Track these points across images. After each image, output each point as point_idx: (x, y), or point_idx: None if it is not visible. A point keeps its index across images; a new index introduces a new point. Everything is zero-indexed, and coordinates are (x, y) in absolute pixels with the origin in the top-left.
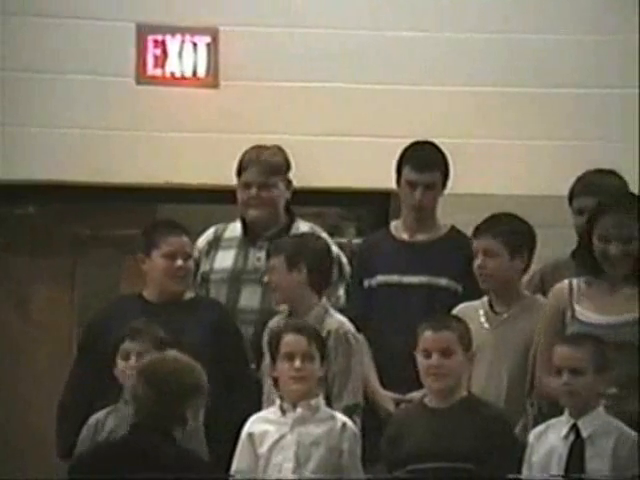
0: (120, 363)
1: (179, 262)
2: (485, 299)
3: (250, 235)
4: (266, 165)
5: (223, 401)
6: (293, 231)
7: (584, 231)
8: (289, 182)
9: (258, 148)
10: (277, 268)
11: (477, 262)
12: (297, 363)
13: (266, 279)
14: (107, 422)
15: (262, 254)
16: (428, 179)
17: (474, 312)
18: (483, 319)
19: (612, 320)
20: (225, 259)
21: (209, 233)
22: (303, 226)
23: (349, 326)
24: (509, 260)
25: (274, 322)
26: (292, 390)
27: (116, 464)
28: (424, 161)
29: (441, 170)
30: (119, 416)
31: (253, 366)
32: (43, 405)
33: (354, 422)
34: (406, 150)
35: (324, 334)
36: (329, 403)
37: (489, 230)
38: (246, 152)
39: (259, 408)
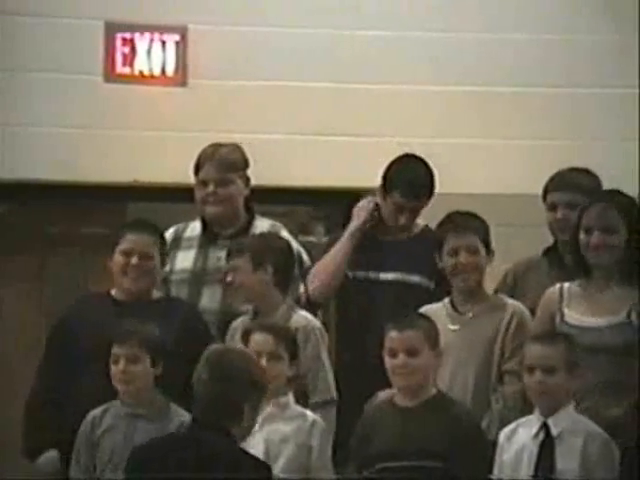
0: (112, 368)
1: (134, 260)
2: (447, 300)
3: (210, 234)
4: (222, 162)
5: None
6: (253, 229)
7: (573, 231)
8: (247, 179)
9: (215, 146)
10: (242, 268)
11: (459, 259)
12: (263, 362)
13: (229, 279)
14: (104, 419)
15: (223, 253)
16: (415, 205)
17: (437, 313)
18: (447, 320)
19: (600, 322)
20: (185, 259)
21: (169, 233)
22: (264, 223)
23: (316, 322)
24: (486, 257)
25: (238, 322)
26: None
27: (173, 459)
28: (415, 187)
29: (428, 193)
30: (115, 414)
31: None
32: (12, 404)
33: (329, 417)
34: (395, 167)
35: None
36: (305, 399)
37: (470, 228)
38: (203, 150)
39: None
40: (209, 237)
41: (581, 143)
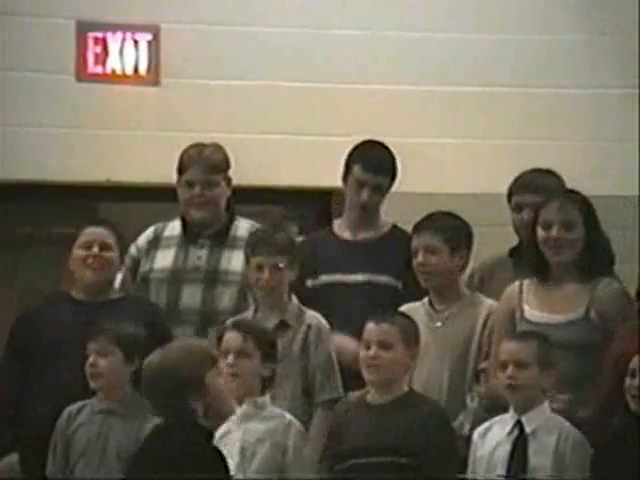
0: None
1: (95, 250)
2: (426, 299)
3: (190, 234)
4: (208, 163)
5: None
6: (233, 229)
7: (530, 228)
8: (229, 180)
9: (198, 146)
10: (281, 269)
11: (418, 259)
12: (230, 359)
13: (265, 277)
14: (79, 415)
15: (203, 253)
16: (377, 180)
17: (415, 311)
18: (424, 318)
19: (558, 319)
20: (165, 258)
21: (149, 232)
22: (244, 224)
23: (324, 321)
24: (449, 257)
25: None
26: (227, 387)
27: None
28: (375, 162)
29: (390, 172)
30: (90, 410)
31: None
32: None
33: (331, 415)
34: (356, 148)
35: (304, 328)
36: (309, 397)
37: (429, 227)
38: (186, 150)
39: None
40: (189, 237)
41: (560, 143)
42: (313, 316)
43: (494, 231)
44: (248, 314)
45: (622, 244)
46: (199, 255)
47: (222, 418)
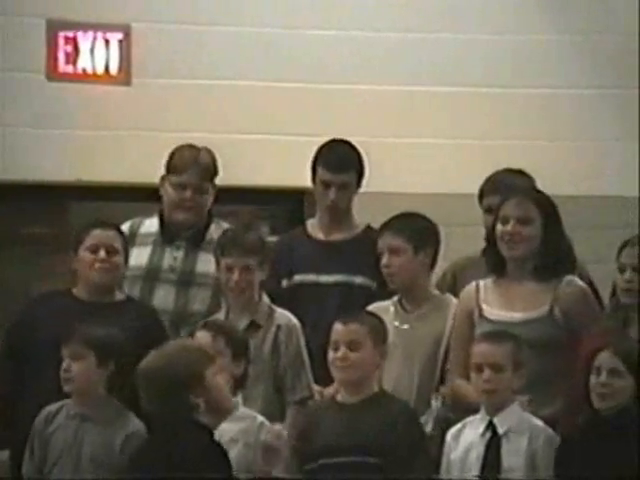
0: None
1: (102, 254)
2: (395, 298)
3: (168, 234)
4: (204, 168)
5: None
6: (210, 232)
7: (490, 226)
8: (215, 186)
9: (192, 149)
10: (251, 270)
11: (383, 261)
12: None
13: (235, 278)
14: (57, 416)
15: (179, 253)
16: (343, 179)
17: (385, 311)
18: (394, 318)
19: (517, 317)
20: (140, 256)
21: (124, 228)
22: (221, 226)
23: (295, 320)
24: (413, 256)
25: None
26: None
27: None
28: (339, 161)
29: (356, 170)
30: (67, 413)
31: None
32: None
33: (303, 414)
34: (321, 149)
35: (274, 328)
36: (281, 396)
37: (391, 228)
38: (180, 152)
39: None
40: (166, 237)
41: (532, 143)
42: (283, 315)
43: (469, 231)
44: (220, 315)
45: (597, 244)
46: (175, 256)
47: (223, 415)
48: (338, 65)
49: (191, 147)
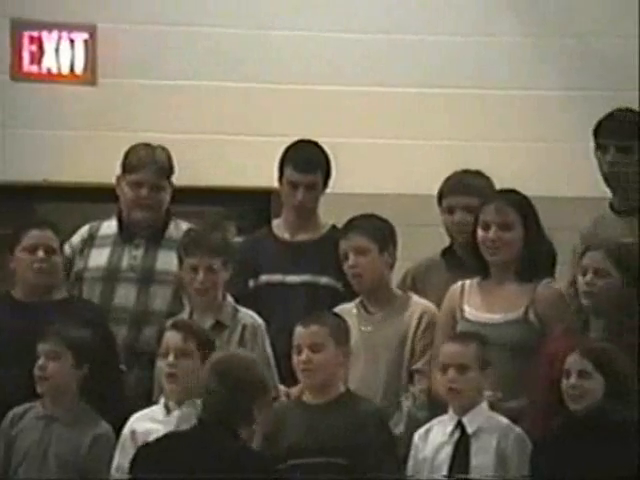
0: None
1: (40, 254)
2: (358, 300)
3: (126, 233)
4: (160, 166)
5: (92, 402)
6: (169, 230)
7: (461, 229)
8: (172, 184)
9: (148, 147)
10: (215, 270)
11: (349, 262)
12: (170, 359)
13: (200, 279)
14: (23, 418)
15: (138, 253)
16: (310, 179)
17: (348, 314)
18: (358, 320)
19: (496, 318)
20: (100, 257)
21: (83, 231)
22: (180, 225)
23: (260, 320)
24: (379, 256)
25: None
26: (166, 388)
27: (181, 456)
28: (306, 161)
29: (323, 170)
30: (34, 414)
31: (123, 367)
32: None
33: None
34: (288, 149)
35: (239, 328)
36: None
37: (357, 228)
38: (136, 150)
39: (127, 407)
40: (125, 236)
41: (492, 144)
42: (248, 315)
43: (436, 231)
44: (183, 315)
45: (566, 245)
46: (134, 255)
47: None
48: (304, 66)
49: (146, 145)
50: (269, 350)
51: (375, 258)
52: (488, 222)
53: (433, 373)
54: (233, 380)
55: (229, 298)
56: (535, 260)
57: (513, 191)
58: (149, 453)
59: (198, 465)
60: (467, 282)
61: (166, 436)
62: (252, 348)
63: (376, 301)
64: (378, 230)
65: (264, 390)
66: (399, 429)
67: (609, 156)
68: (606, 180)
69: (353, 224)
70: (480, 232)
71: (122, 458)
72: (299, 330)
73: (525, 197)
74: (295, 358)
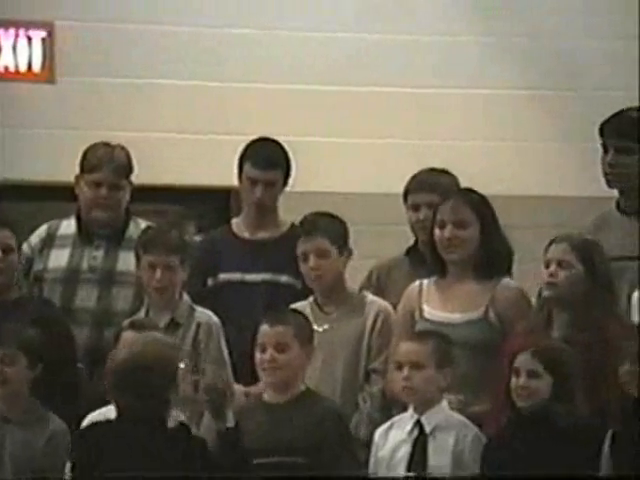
0: None
1: None
2: (312, 299)
3: (86, 233)
4: (119, 165)
5: (48, 402)
6: (130, 230)
7: (426, 227)
8: (131, 183)
9: (106, 146)
10: (173, 268)
11: (310, 264)
12: None
13: (157, 277)
14: None
15: (99, 253)
16: (269, 177)
17: (304, 312)
18: (312, 319)
19: (455, 318)
20: (59, 258)
21: (41, 230)
22: (140, 225)
23: (216, 319)
24: (338, 257)
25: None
26: None
27: (113, 446)
28: (265, 158)
29: (282, 168)
30: None
31: (81, 365)
32: None
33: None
34: (247, 147)
35: (194, 326)
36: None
37: (318, 230)
38: (94, 149)
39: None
40: (85, 236)
41: (454, 144)
42: (204, 314)
43: (399, 230)
44: (140, 314)
45: (522, 244)
46: (94, 255)
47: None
48: (265, 65)
49: (105, 145)
50: (224, 348)
51: (335, 260)
52: (444, 220)
53: (389, 372)
54: (145, 372)
55: (185, 296)
56: (492, 258)
57: (470, 190)
58: (86, 439)
59: (131, 456)
60: (425, 281)
61: (98, 424)
62: (206, 346)
63: (332, 301)
64: (337, 231)
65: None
66: (360, 430)
67: (609, 156)
68: (607, 180)
69: (314, 225)
70: (437, 231)
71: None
72: (264, 328)
73: (482, 196)
74: (258, 356)
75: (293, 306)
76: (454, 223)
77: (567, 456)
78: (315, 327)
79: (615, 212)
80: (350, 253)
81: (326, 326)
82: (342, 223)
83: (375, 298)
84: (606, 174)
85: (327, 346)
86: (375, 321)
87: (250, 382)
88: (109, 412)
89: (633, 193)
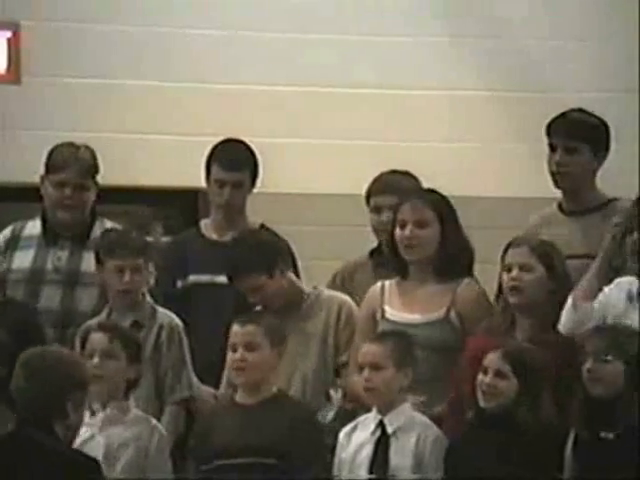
0: None
1: None
2: None
3: (51, 234)
4: (84, 166)
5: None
6: (96, 230)
7: (390, 229)
8: (97, 183)
9: (71, 147)
10: (140, 270)
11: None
12: (95, 360)
13: (126, 279)
14: None
15: (63, 254)
16: (236, 178)
17: None
18: None
19: (416, 319)
20: (24, 259)
21: (6, 232)
22: (105, 225)
23: (178, 321)
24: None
25: (89, 323)
26: (91, 389)
27: (5, 455)
28: (233, 160)
29: (249, 169)
30: None
31: None
32: None
33: (181, 415)
34: (215, 148)
35: (156, 328)
36: (161, 397)
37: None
38: (59, 150)
39: None
40: (49, 237)
41: (419, 145)
42: (166, 315)
43: (360, 231)
44: (102, 315)
45: (483, 245)
46: (59, 256)
47: None
48: (232, 66)
49: (70, 145)
50: (186, 351)
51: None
52: (404, 220)
53: (350, 374)
54: (42, 376)
55: (148, 298)
56: (452, 259)
57: (432, 190)
58: None
59: (20, 464)
60: (387, 282)
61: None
62: (168, 348)
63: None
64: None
65: (78, 385)
66: (328, 418)
67: (557, 156)
68: (554, 180)
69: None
70: (397, 230)
71: None
72: (235, 328)
73: (443, 196)
74: (230, 356)
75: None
76: (414, 223)
77: (531, 458)
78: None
79: (558, 213)
80: (286, 270)
81: (292, 324)
82: (276, 238)
83: (332, 292)
84: (553, 174)
85: (295, 342)
86: (339, 315)
87: (219, 385)
88: None
89: (578, 193)
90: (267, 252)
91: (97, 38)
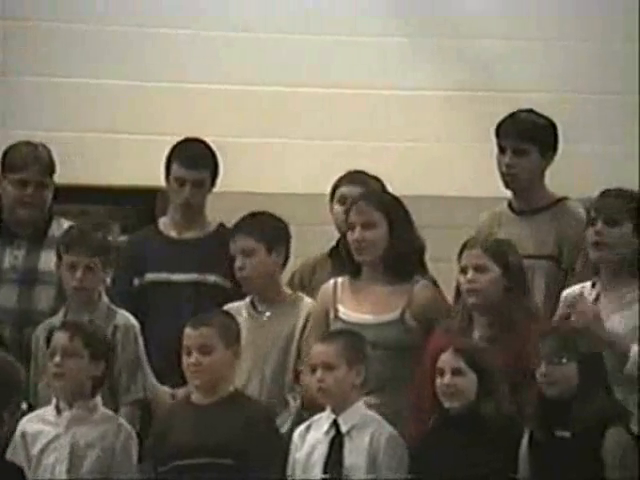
0: None
1: None
2: (248, 299)
3: (7, 233)
4: (44, 164)
5: None
6: (51, 230)
7: (344, 231)
8: (53, 182)
9: (30, 145)
10: (94, 270)
11: (236, 264)
12: (56, 359)
13: (78, 276)
14: None
15: (20, 253)
16: (197, 176)
17: (237, 312)
18: (246, 319)
19: (370, 319)
20: None
21: None
22: (62, 224)
23: (134, 321)
24: (266, 256)
25: (47, 323)
26: (54, 387)
27: None
28: (193, 158)
29: (209, 168)
30: None
31: None
32: None
33: (136, 416)
34: (175, 147)
35: (111, 328)
36: (116, 397)
37: (242, 229)
38: (18, 148)
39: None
40: (5, 236)
41: (392, 145)
42: (122, 316)
43: (319, 230)
44: (59, 314)
45: (438, 243)
46: (16, 255)
47: None
48: (196, 65)
49: (28, 143)
50: (141, 351)
51: (262, 259)
52: (352, 223)
53: (303, 376)
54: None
55: (104, 298)
56: (403, 258)
57: (381, 192)
58: None
59: None
60: (339, 280)
61: None
62: (123, 348)
63: (265, 300)
64: (267, 230)
65: (15, 391)
66: (284, 427)
67: (506, 158)
68: (505, 181)
69: (240, 224)
70: (348, 233)
71: (14, 459)
72: (188, 331)
73: (393, 197)
74: (185, 359)
75: (229, 305)
76: (362, 225)
77: (494, 455)
78: (249, 326)
79: (508, 212)
80: (283, 252)
81: (259, 326)
82: (278, 223)
83: (308, 299)
84: (503, 175)
85: (259, 345)
86: (306, 322)
87: (178, 384)
88: (45, 413)
89: (527, 194)
90: (274, 228)
91: (60, 37)
